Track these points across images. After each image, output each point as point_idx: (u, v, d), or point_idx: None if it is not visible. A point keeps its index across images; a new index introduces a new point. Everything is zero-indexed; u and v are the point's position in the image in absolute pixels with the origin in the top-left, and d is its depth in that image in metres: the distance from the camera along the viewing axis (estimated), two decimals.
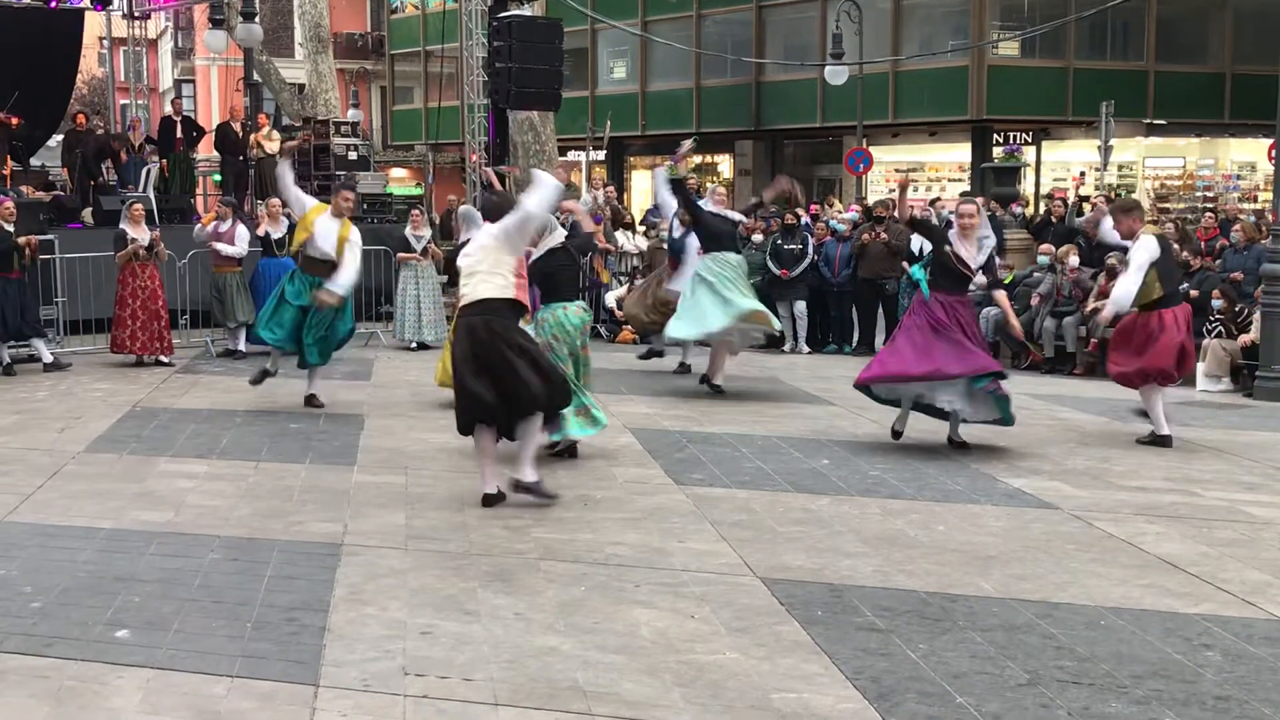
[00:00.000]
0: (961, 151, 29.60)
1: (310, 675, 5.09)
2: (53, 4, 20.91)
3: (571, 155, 31.77)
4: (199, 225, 15.29)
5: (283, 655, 5.31)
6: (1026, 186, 27.06)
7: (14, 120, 18.98)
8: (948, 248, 9.51)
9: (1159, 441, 9.91)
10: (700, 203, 12.43)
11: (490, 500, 7.79)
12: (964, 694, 4.98)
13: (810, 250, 16.29)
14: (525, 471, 7.82)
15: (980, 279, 10.54)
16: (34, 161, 21.38)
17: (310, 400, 11.40)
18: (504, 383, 7.60)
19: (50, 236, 15.17)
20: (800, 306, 16.28)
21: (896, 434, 9.98)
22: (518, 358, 7.61)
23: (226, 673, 5.10)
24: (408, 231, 16.08)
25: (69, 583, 6.24)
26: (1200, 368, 13.28)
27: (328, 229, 10.94)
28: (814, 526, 7.45)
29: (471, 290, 7.72)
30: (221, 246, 14.65)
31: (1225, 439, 10.44)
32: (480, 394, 7.60)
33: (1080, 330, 14.48)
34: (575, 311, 9.12)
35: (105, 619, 5.70)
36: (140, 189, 18.28)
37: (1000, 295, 11.17)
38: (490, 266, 7.71)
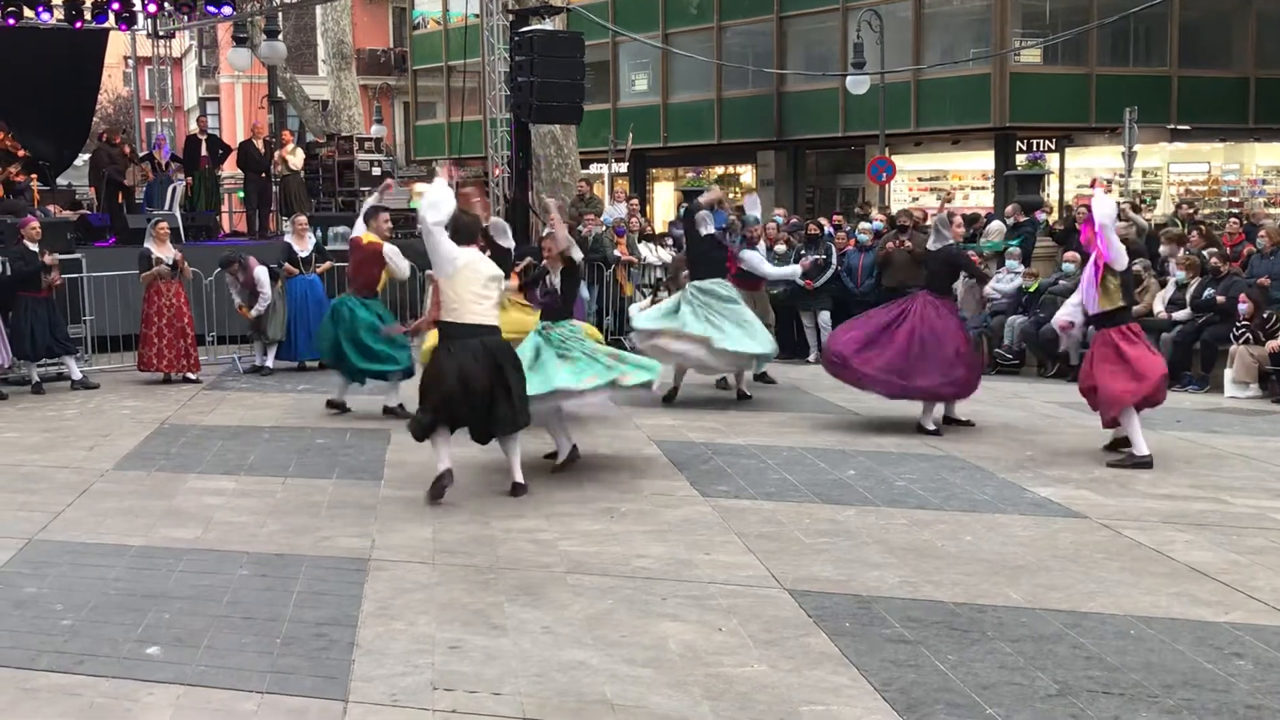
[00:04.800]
0: (984, 159, 29.50)
1: (339, 690, 5.12)
2: (77, 25, 21.07)
3: (594, 168, 31.80)
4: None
5: (312, 671, 5.33)
6: (1050, 194, 26.97)
7: (20, 150, 19.16)
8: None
9: (1140, 463, 9.40)
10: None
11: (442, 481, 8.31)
12: (993, 705, 4.96)
13: (834, 260, 16.28)
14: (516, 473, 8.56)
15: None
16: (60, 181, 21.57)
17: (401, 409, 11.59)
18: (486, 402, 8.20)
19: (77, 256, 15.29)
20: (824, 316, 16.25)
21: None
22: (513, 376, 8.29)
23: (256, 689, 5.13)
24: None
25: (99, 600, 6.28)
26: (1228, 374, 13.21)
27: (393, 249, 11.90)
28: (840, 538, 7.44)
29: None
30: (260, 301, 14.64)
31: (1253, 446, 10.37)
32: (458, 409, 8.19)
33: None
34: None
35: (135, 636, 5.75)
36: (166, 207, 18.39)
37: None
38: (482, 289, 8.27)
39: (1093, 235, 9.57)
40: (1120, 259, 9.46)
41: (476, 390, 8.10)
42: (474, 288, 8.19)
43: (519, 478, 8.55)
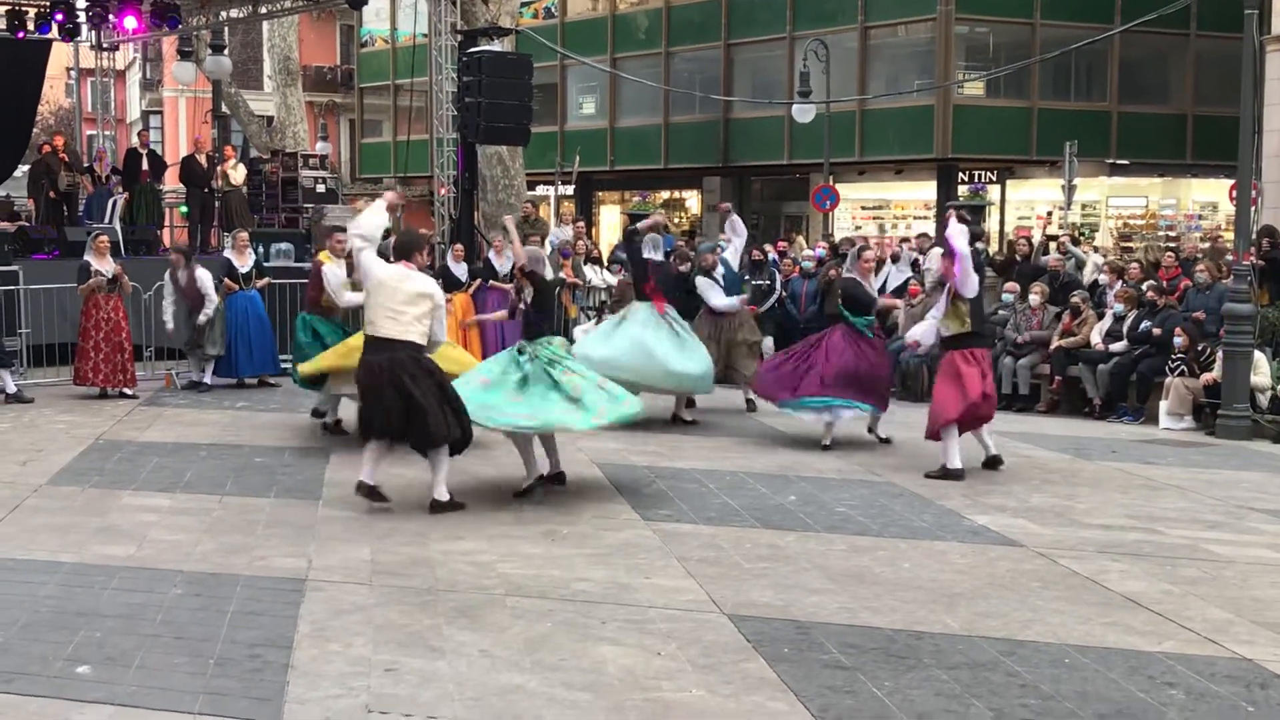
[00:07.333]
0: (927, 190, 29.80)
1: (273, 712, 5.05)
2: (20, 34, 20.81)
3: (540, 190, 31.81)
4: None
5: (245, 692, 5.27)
6: (991, 225, 27.27)
7: None
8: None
9: (952, 475, 10.01)
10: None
11: (365, 489, 8.54)
12: None
13: (777, 287, 16.36)
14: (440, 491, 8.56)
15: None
16: None
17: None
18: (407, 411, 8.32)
19: (14, 268, 15.07)
20: (767, 343, 16.31)
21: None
22: (421, 389, 8.31)
23: (189, 710, 5.06)
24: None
25: (30, 618, 6.18)
26: (1163, 406, 13.39)
27: (335, 273, 11.65)
28: (780, 563, 7.46)
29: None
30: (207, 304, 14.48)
31: (1187, 477, 10.51)
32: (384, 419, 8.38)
33: (1043, 369, 14.63)
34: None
35: (66, 655, 5.65)
36: (106, 220, 18.18)
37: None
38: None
39: (951, 265, 10.16)
40: (971, 288, 10.13)
41: (386, 403, 8.30)
42: (389, 303, 8.35)
43: (438, 495, 8.54)
